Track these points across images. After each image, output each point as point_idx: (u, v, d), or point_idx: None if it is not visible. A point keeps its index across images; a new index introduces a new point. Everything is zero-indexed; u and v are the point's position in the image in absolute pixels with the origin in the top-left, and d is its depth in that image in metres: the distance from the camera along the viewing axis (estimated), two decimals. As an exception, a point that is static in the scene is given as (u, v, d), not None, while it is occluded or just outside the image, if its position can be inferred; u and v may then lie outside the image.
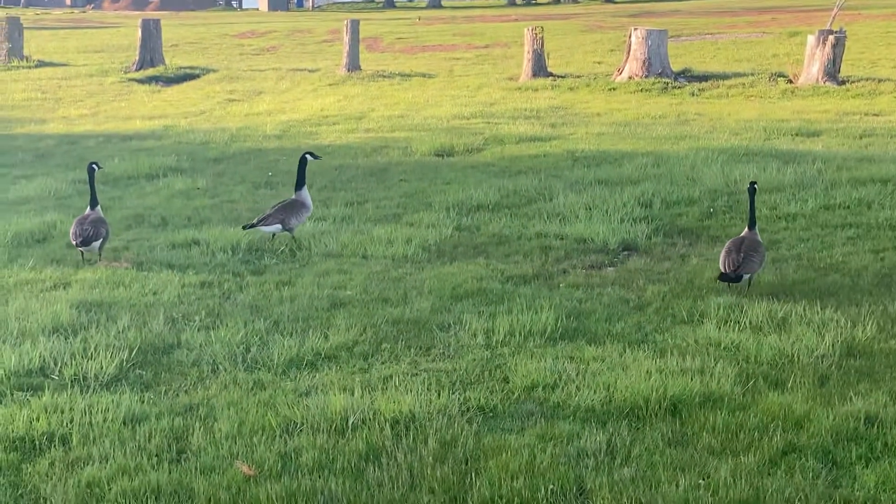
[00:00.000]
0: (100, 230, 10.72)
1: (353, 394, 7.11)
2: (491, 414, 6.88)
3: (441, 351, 8.13)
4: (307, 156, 11.82)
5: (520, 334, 8.36)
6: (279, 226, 11.22)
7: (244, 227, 11.27)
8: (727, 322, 8.56)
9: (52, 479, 6.03)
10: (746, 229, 9.96)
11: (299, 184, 11.54)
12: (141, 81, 29.83)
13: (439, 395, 7.12)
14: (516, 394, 7.19)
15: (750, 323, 8.52)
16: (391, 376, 7.53)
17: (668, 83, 25.85)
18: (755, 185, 10.25)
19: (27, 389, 7.39)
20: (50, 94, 27.29)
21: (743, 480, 5.82)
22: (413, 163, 16.50)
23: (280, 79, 29.84)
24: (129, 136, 19.89)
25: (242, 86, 28.48)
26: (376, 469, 6.05)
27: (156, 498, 5.74)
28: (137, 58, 32.68)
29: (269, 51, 40.57)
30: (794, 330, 8.30)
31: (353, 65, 30.58)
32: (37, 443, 6.49)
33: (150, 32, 33.31)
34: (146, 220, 12.87)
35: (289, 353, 8.02)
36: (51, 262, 10.75)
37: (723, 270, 9.42)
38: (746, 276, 9.56)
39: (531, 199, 13.45)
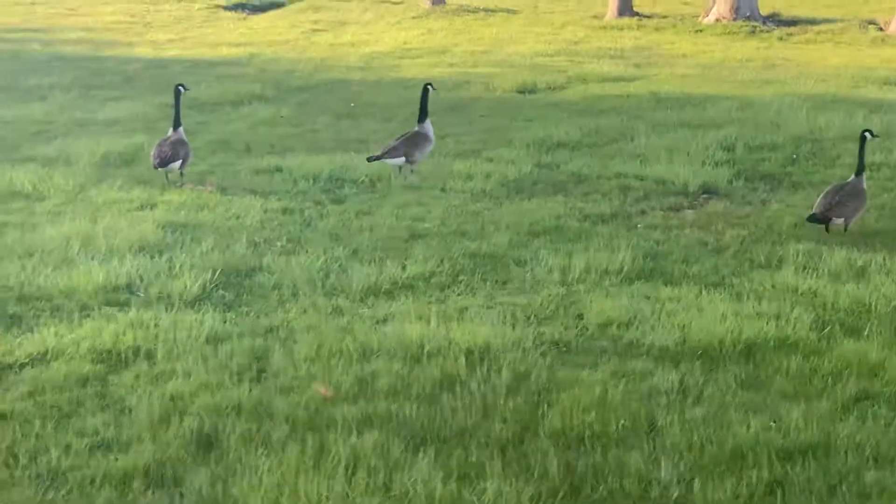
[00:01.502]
0: (178, 151, 10.85)
1: (429, 323, 7.16)
2: (564, 349, 6.91)
3: (517, 285, 8.16)
4: (428, 86, 11.78)
5: (596, 272, 8.36)
6: (403, 158, 11.22)
7: (368, 159, 11.19)
8: (805, 268, 8.49)
9: (136, 390, 6.16)
10: (853, 175, 9.91)
11: (422, 116, 11.52)
12: (227, 8, 29.79)
13: (514, 328, 7.16)
14: (590, 330, 7.21)
15: (828, 270, 8.44)
16: (467, 308, 7.58)
17: (755, 27, 25.43)
18: (868, 133, 10.13)
19: (114, 305, 7.54)
20: (138, 18, 27.39)
21: (814, 424, 5.79)
22: (495, 99, 16.46)
23: (364, 10, 29.68)
24: (215, 63, 19.98)
25: (327, 16, 28.38)
26: (450, 397, 6.11)
27: (237, 413, 5.85)
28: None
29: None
30: (872, 279, 8.22)
31: (439, -3, 30.38)
32: (123, 356, 6.63)
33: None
34: (231, 145, 12.97)
35: (367, 280, 8.08)
36: (138, 183, 10.89)
37: (813, 211, 9.46)
38: (838, 221, 9.45)
39: (612, 139, 13.39)
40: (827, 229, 9.50)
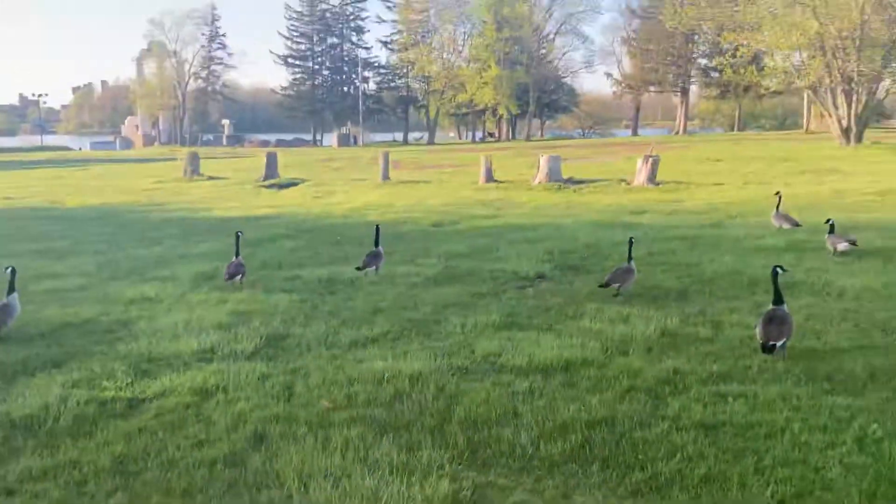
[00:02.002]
0: (239, 269, 10.77)
1: (387, 360, 7.13)
2: (464, 371, 6.90)
3: (436, 336, 8.14)
4: (377, 226, 11.72)
5: (481, 325, 8.39)
6: (373, 268, 11.15)
7: (356, 269, 11.14)
8: (595, 318, 8.60)
9: (217, 410, 6.05)
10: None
11: (377, 242, 11.34)
12: (266, 187, 29.82)
13: (435, 360, 7.15)
14: (478, 359, 7.22)
15: (608, 318, 8.56)
16: (408, 350, 7.56)
17: (561, 185, 25.95)
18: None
19: (203, 360, 7.41)
20: (215, 194, 27.30)
21: (605, 406, 5.85)
22: (420, 231, 16.55)
23: (345, 184, 29.89)
24: (259, 217, 19.90)
25: (323, 188, 28.51)
26: (400, 403, 6.07)
27: (276, 421, 5.76)
28: (264, 173, 32.66)
29: (338, 170, 40.48)
30: (633, 322, 8.36)
31: (386, 176, 30.66)
32: (209, 390, 6.51)
33: (271, 159, 33.33)
34: (269, 264, 12.86)
35: (351, 338, 8.04)
36: (217, 290, 10.73)
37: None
38: (615, 285, 9.55)
39: (487, 250, 13.51)
40: (616, 293, 9.63)
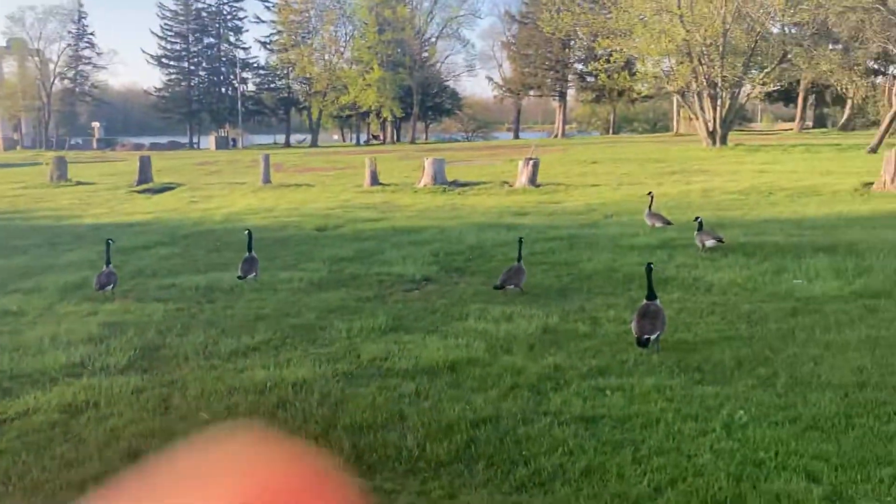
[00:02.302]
0: (111, 279, 10.30)
1: (269, 369, 6.98)
2: (350, 376, 6.84)
3: (321, 342, 8.04)
4: (248, 231, 11.58)
5: (366, 330, 8.34)
6: (254, 273, 10.94)
7: (238, 277, 10.77)
8: (480, 318, 8.71)
9: (88, 428, 5.75)
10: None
11: (249, 247, 11.19)
12: (139, 192, 28.56)
13: (320, 367, 7.05)
14: (364, 364, 7.18)
15: (493, 317, 8.69)
16: (291, 358, 7.41)
17: (445, 188, 26.15)
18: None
19: (72, 376, 7.02)
20: (84, 200, 25.89)
21: (490, 404, 5.94)
22: (303, 235, 16.27)
23: (223, 188, 29.02)
24: (132, 224, 19.04)
25: (201, 193, 27.56)
26: (283, 412, 5.95)
27: (153, 436, 5.52)
28: (137, 178, 31.26)
29: (217, 173, 39.25)
30: (516, 321, 8.52)
31: (266, 179, 29.96)
32: (78, 406, 6.17)
33: (145, 163, 31.98)
34: (143, 272, 12.33)
35: (231, 347, 7.81)
36: (86, 300, 10.20)
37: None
38: (511, 287, 9.72)
39: (372, 254, 13.45)
40: (521, 292, 9.81)
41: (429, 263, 12.25)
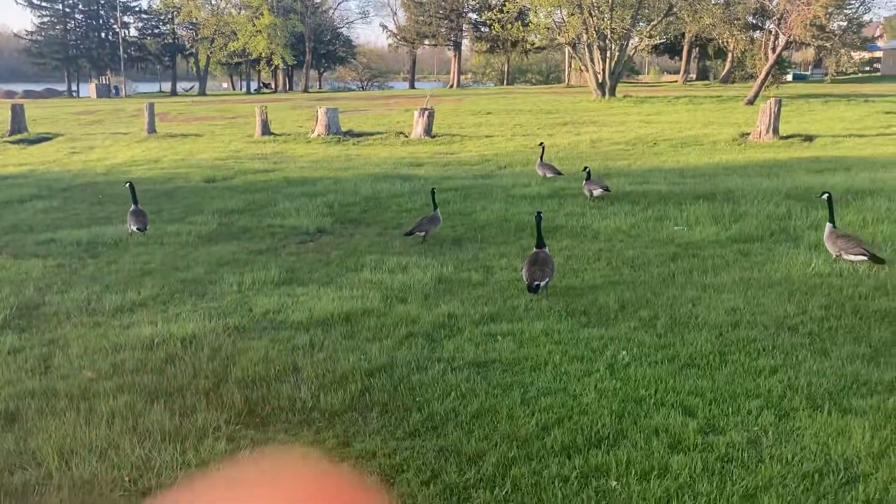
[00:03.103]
0: None
1: (157, 325, 6.76)
2: (242, 330, 6.72)
3: (211, 296, 7.84)
4: (129, 183, 11.04)
5: (258, 283, 8.20)
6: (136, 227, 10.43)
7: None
8: (376, 269, 8.71)
9: (-41, 392, 5.43)
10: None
11: (134, 200, 10.69)
12: (12, 143, 26.79)
13: (210, 321, 6.89)
14: (257, 317, 7.06)
15: (388, 268, 8.71)
16: (180, 313, 7.21)
17: (340, 138, 25.78)
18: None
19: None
20: (-51, 151, 24.09)
21: (385, 353, 5.96)
22: (191, 187, 15.73)
23: (105, 139, 27.57)
24: (5, 177, 17.88)
25: (81, 144, 26.11)
26: (172, 368, 5.78)
27: (31, 396, 5.26)
28: (9, 128, 29.28)
29: (98, 123, 37.09)
30: (412, 271, 8.56)
31: (152, 129, 28.69)
32: None
33: (18, 111, 29.92)
34: (19, 228, 11.66)
35: (116, 303, 7.52)
36: (-47, 258, 9.60)
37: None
38: (421, 234, 9.80)
39: (264, 206, 13.16)
40: (422, 240, 9.93)
41: (323, 215, 12.10)
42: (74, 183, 16.70)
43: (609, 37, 44.49)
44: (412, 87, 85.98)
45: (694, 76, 72.21)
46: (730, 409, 4.84)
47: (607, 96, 44.22)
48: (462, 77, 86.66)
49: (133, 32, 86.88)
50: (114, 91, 78.72)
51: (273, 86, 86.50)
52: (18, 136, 28.38)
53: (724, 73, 61.70)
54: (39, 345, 6.36)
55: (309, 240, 10.64)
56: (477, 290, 7.74)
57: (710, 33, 43.96)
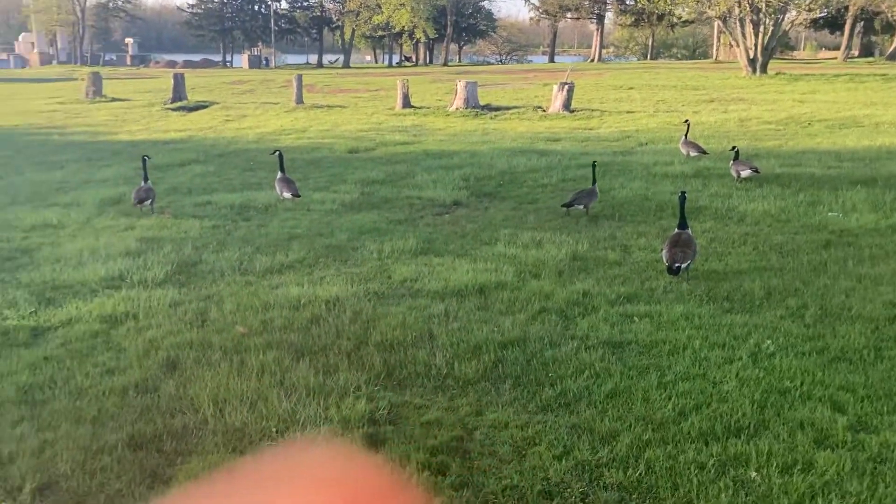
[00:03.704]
0: (149, 194, 10.46)
1: (303, 286, 7.10)
2: (381, 296, 6.94)
3: (353, 262, 8.13)
4: (279, 152, 11.51)
5: (397, 251, 8.42)
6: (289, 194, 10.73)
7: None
8: (510, 243, 8.73)
9: (128, 338, 5.94)
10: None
11: (282, 168, 11.22)
12: (173, 110, 28.59)
13: (352, 286, 7.16)
14: (395, 284, 7.27)
15: (522, 243, 8.71)
16: (325, 277, 7.53)
17: (477, 112, 25.83)
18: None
19: (111, 288, 7.22)
20: (119, 117, 26.03)
21: (517, 328, 6.00)
22: (336, 157, 16.27)
23: (256, 108, 28.92)
24: (167, 142, 19.15)
25: (234, 112, 27.53)
26: (316, 328, 6.07)
27: (190, 347, 5.69)
28: (171, 96, 31.17)
29: (250, 92, 38.88)
30: (545, 247, 8.53)
31: (299, 100, 29.78)
32: (118, 317, 6.37)
33: (179, 81, 31.83)
34: (179, 189, 12.47)
35: (266, 264, 7.94)
36: (123, 215, 10.41)
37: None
38: (580, 207, 9.81)
39: (403, 177, 13.44)
40: (568, 213, 10.00)
41: (459, 188, 12.23)
42: (228, 149, 17.66)
43: (763, 10, 42.03)
44: (552, 60, 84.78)
45: (856, 53, 67.07)
46: (885, 407, 4.55)
47: (758, 73, 41.89)
48: (604, 51, 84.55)
49: (284, 5, 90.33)
50: (264, 62, 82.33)
51: (414, 59, 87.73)
52: (179, 104, 30.22)
53: (891, 50, 56.95)
54: (197, 300, 6.84)
55: (445, 212, 10.79)
56: (613, 270, 7.62)
57: (879, 6, 40.61)
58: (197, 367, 5.31)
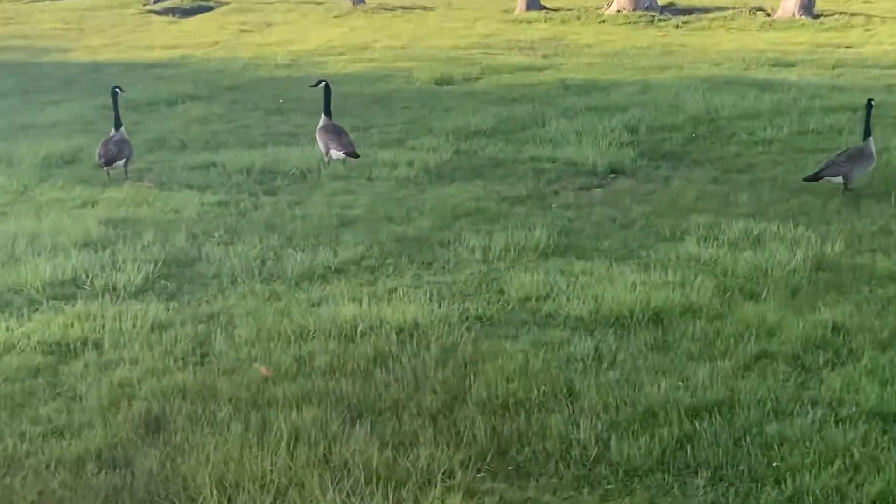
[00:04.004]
0: (123, 150, 10.75)
1: (361, 304, 7.15)
2: (488, 322, 6.92)
3: (441, 265, 8.15)
4: (324, 82, 11.68)
5: (514, 250, 8.37)
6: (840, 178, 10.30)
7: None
8: (707, 239, 8.57)
9: (86, 379, 6.12)
10: (862, 140, 10.19)
11: (326, 109, 11.40)
12: (159, 13, 29.44)
13: (440, 305, 7.16)
14: (511, 304, 7.23)
15: (727, 240, 8.53)
16: (396, 288, 7.56)
17: (653, 16, 25.59)
18: (871, 101, 10.23)
19: (61, 298, 7.45)
20: (74, 24, 26.97)
21: (719, 383, 5.88)
22: (414, 91, 16.40)
23: (289, 11, 29.43)
24: (149, 65, 19.73)
25: (254, 17, 28.09)
26: (383, 372, 6.11)
27: (182, 396, 5.81)
28: (151, -10, 32.00)
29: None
30: (767, 246, 8.33)
31: (359, -2, 30.12)
32: (71, 346, 6.57)
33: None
34: (166, 143, 12.82)
35: (301, 266, 8.05)
36: (79, 182, 10.77)
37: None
38: (835, 179, 9.85)
39: (525, 126, 13.40)
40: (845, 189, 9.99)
41: (620, 144, 12.12)
42: (244, 78, 18.04)
43: None
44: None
45: None
46: None
47: None
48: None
49: None
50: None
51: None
52: (167, 4, 31.00)
53: None
54: (193, 320, 6.98)
55: (596, 184, 10.70)
56: (886, 288, 7.42)
57: None
58: (193, 429, 5.42)
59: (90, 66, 19.79)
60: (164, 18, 28.55)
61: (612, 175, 11.05)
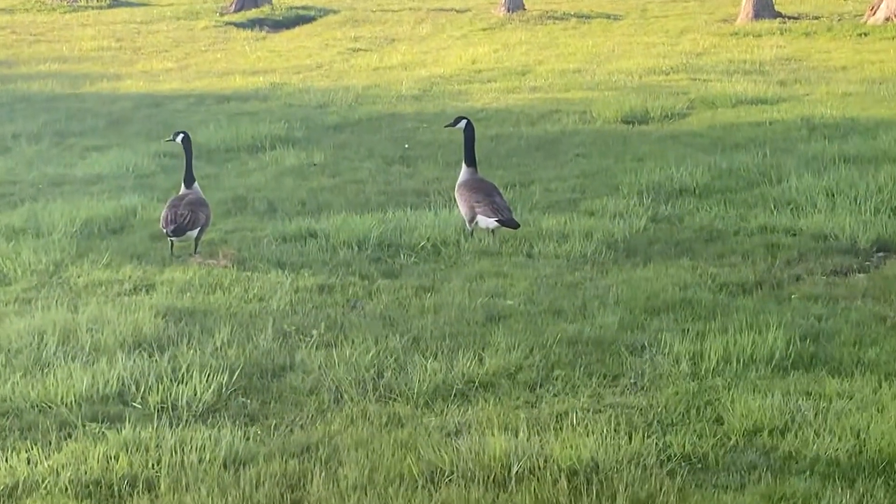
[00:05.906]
0: (199, 215, 10.90)
1: (517, 434, 7.10)
2: (700, 465, 6.81)
3: (632, 381, 8.08)
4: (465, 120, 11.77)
5: (738, 361, 8.27)
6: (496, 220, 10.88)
7: None
8: None
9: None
10: None
11: (469, 159, 11.48)
12: (241, 26, 29.99)
13: (631, 438, 7.07)
14: (733, 439, 7.11)
15: None
16: (567, 412, 7.49)
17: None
18: None
19: (103, 420, 7.52)
20: (127, 42, 27.59)
21: None
22: (593, 132, 16.41)
23: (419, 22, 29.78)
24: (226, 97, 20.09)
25: (370, 31, 28.49)
26: (551, 533, 6.06)
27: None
28: (235, -3, 32.73)
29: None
30: None
31: (515, 3, 30.45)
32: (115, 488, 6.60)
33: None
34: (249, 204, 13.00)
35: (433, 379, 8.04)
36: (130, 258, 10.97)
37: None
38: None
39: (752, 182, 13.30)
40: None
41: (893, 210, 11.92)
42: (356, 115, 18.27)
43: None
44: None
45: None
46: None
47: None
48: None
49: None
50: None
51: None
52: (253, 14, 31.61)
53: None
54: (282, 454, 6.99)
55: (857, 267, 10.56)
56: None
57: None
58: None
59: (147, 98, 20.23)
60: (247, 33, 29.07)
61: (881, 254, 10.90)
